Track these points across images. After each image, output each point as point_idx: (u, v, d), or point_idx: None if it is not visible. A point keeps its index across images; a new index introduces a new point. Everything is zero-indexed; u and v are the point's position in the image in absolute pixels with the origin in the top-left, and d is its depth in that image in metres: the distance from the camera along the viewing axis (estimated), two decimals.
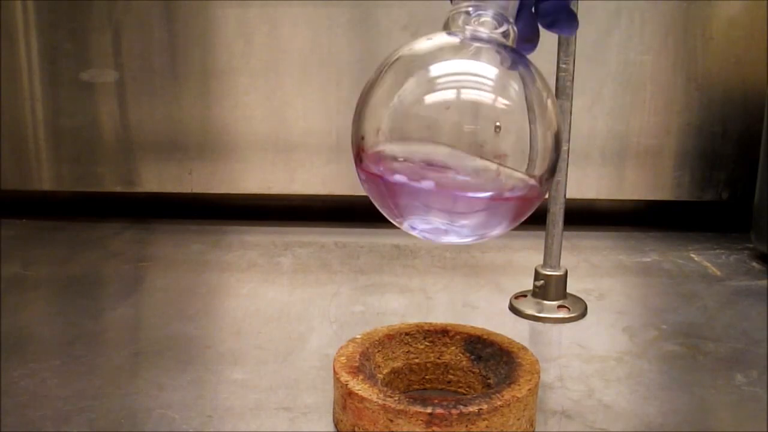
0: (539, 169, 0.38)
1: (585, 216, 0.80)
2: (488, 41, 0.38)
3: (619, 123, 0.82)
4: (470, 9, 0.38)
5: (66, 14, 0.83)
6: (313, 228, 0.84)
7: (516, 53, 0.39)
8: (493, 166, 0.37)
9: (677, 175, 0.84)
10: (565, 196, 0.59)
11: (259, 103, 0.83)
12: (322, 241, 0.79)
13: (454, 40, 0.38)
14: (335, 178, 0.85)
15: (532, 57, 0.40)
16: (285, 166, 0.85)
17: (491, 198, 0.37)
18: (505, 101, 0.38)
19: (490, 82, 0.38)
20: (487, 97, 0.38)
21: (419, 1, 0.80)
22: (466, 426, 0.38)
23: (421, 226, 0.39)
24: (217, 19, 0.82)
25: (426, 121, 0.37)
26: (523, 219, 0.40)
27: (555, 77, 0.57)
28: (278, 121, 0.84)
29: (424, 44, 0.39)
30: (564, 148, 0.58)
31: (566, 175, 0.59)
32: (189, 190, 0.86)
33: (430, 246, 0.77)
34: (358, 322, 0.58)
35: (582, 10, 0.56)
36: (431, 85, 0.38)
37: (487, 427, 0.39)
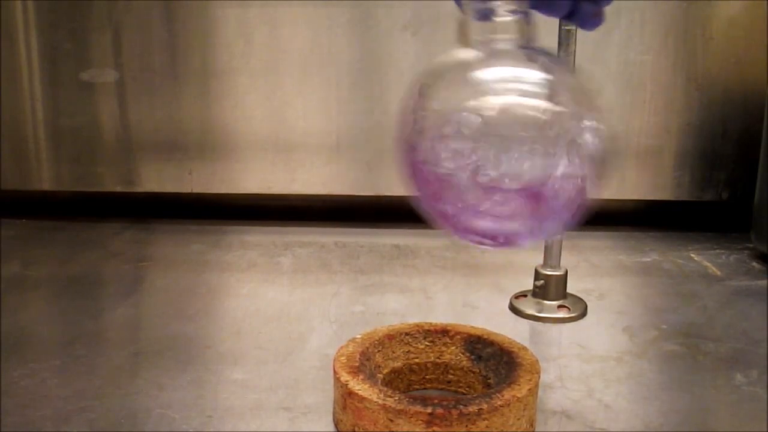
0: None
1: (585, 216, 0.80)
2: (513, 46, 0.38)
3: (619, 123, 0.82)
4: (483, 12, 0.38)
5: (66, 14, 0.83)
6: (313, 228, 0.84)
7: (543, 53, 0.39)
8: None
9: (677, 175, 0.84)
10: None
11: (259, 103, 0.83)
12: (322, 241, 0.79)
13: (476, 54, 0.38)
14: (335, 178, 0.85)
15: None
16: (285, 166, 0.85)
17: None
18: (557, 107, 0.37)
19: (529, 87, 0.37)
20: (537, 103, 0.37)
21: (420, 1, 0.80)
22: (466, 426, 0.38)
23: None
24: (217, 19, 0.82)
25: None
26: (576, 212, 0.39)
27: None
28: (278, 121, 0.84)
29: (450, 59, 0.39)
30: None
31: None
32: (189, 190, 0.86)
33: (430, 246, 0.77)
34: (358, 322, 0.58)
35: None
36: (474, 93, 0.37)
37: (487, 427, 0.39)
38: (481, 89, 0.37)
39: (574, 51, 0.57)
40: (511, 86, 0.37)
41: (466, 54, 0.38)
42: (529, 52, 0.38)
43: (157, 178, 0.86)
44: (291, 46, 0.82)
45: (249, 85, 0.83)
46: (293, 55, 0.82)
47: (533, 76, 0.37)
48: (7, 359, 0.51)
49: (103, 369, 0.50)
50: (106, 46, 0.83)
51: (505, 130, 0.36)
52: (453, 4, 0.39)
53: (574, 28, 0.56)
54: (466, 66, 0.38)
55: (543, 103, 0.37)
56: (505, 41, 0.38)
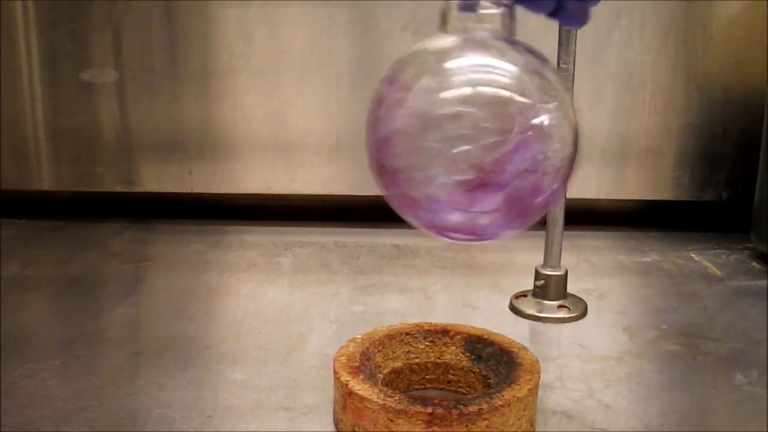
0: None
1: (585, 216, 0.80)
2: (489, 36, 0.38)
3: (619, 123, 0.82)
4: (466, 4, 0.38)
5: (66, 14, 0.83)
6: (313, 228, 0.84)
7: (521, 46, 0.39)
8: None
9: (677, 175, 0.84)
10: (565, 196, 0.59)
11: (259, 103, 0.83)
12: (322, 241, 0.79)
13: (455, 40, 0.38)
14: (335, 178, 0.85)
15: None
16: (285, 166, 0.85)
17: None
18: (524, 99, 0.37)
19: (506, 78, 0.37)
20: (505, 93, 0.37)
21: (419, 1, 0.80)
22: (467, 426, 0.38)
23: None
24: (217, 19, 0.82)
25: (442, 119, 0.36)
26: (532, 216, 0.39)
27: None
28: (278, 121, 0.84)
29: (426, 46, 0.39)
30: None
31: None
32: (189, 190, 0.86)
33: (430, 246, 0.77)
34: (358, 322, 0.58)
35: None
36: (444, 84, 0.37)
37: (487, 427, 0.39)
38: (450, 78, 0.37)
39: (574, 51, 0.57)
40: (480, 76, 0.37)
41: (443, 41, 0.38)
42: (504, 43, 0.38)
43: (157, 178, 0.86)
44: (291, 46, 0.82)
45: (249, 85, 0.83)
46: (293, 55, 0.82)
47: (503, 66, 0.37)
48: (7, 359, 0.51)
49: (103, 369, 0.50)
50: (106, 46, 0.83)
51: (470, 121, 0.36)
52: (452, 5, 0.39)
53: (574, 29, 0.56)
54: (440, 53, 0.38)
55: (510, 94, 0.37)
56: (483, 30, 0.38)
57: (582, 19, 0.39)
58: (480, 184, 0.36)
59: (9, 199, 0.87)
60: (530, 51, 0.38)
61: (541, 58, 0.38)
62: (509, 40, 0.38)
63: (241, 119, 0.84)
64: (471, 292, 0.66)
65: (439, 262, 0.73)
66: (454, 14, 0.38)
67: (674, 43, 0.81)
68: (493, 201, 0.37)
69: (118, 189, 0.87)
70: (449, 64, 0.38)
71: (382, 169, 0.39)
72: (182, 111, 0.84)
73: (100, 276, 0.71)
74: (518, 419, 0.40)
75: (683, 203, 0.85)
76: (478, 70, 0.37)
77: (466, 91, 0.37)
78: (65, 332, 0.57)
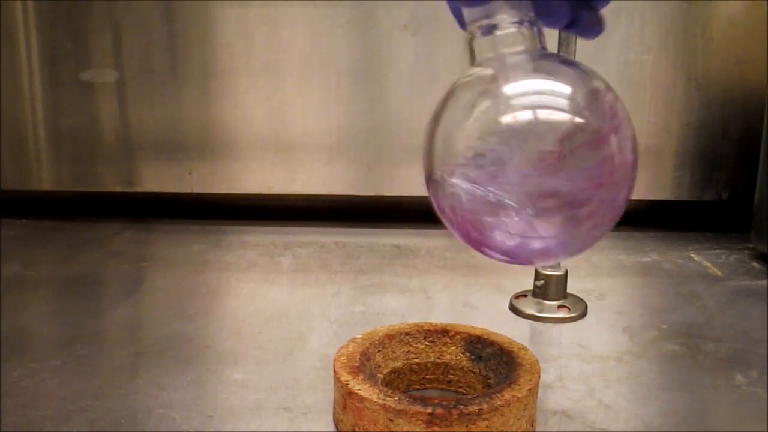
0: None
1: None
2: (526, 57, 0.37)
3: None
4: (487, 27, 0.37)
5: (66, 14, 0.83)
6: (313, 228, 0.84)
7: (560, 59, 0.38)
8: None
9: (677, 175, 0.84)
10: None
11: (259, 103, 0.83)
12: (322, 241, 0.79)
13: (489, 72, 0.37)
14: (335, 178, 0.85)
15: None
16: (285, 166, 0.85)
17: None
18: (581, 119, 0.35)
19: (563, 99, 0.36)
20: (562, 116, 0.35)
21: (419, 1, 0.80)
22: (467, 426, 0.38)
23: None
24: (217, 19, 0.82)
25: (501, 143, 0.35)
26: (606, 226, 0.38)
27: None
28: (278, 121, 0.84)
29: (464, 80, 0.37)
30: None
31: None
32: (189, 190, 0.86)
33: (429, 246, 0.77)
34: (358, 322, 0.58)
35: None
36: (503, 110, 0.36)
37: (487, 427, 0.39)
38: (499, 106, 0.36)
39: (575, 51, 0.57)
40: (530, 100, 0.36)
41: (479, 72, 0.37)
42: (542, 61, 0.37)
43: (157, 178, 0.86)
44: (291, 46, 0.82)
45: (249, 85, 0.83)
46: (293, 55, 0.82)
47: (551, 87, 0.36)
48: (7, 359, 0.51)
49: (103, 369, 0.50)
50: (106, 46, 0.83)
51: (529, 147, 0.35)
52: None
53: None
54: (480, 83, 0.37)
55: (566, 116, 0.35)
56: (516, 53, 0.37)
57: (599, 28, 0.39)
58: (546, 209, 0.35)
59: (9, 199, 0.87)
60: (570, 63, 0.37)
61: (583, 68, 0.37)
62: (548, 56, 0.37)
63: (241, 119, 0.84)
64: (471, 292, 0.66)
65: (439, 262, 0.73)
66: (480, 43, 0.37)
67: (674, 43, 0.81)
68: (552, 226, 0.36)
69: (118, 189, 0.87)
70: (503, 89, 0.36)
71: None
72: (182, 111, 0.84)
73: (100, 276, 0.71)
74: (518, 419, 0.40)
75: (683, 203, 0.85)
76: (533, 94, 0.36)
77: (527, 115, 0.35)
78: (65, 332, 0.57)
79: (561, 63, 0.38)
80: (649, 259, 0.75)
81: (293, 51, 0.82)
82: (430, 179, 0.38)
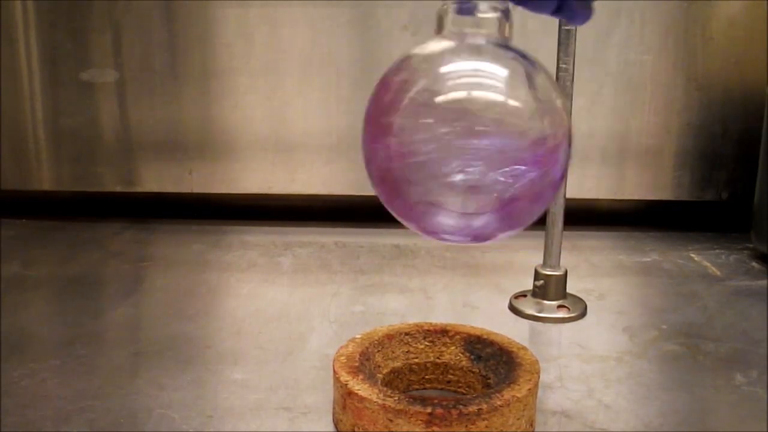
0: None
1: (585, 216, 0.80)
2: (487, 42, 0.38)
3: (619, 123, 0.82)
4: (465, 8, 0.38)
5: (66, 14, 0.83)
6: (313, 228, 0.84)
7: (515, 51, 0.39)
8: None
9: (677, 175, 0.84)
10: (565, 196, 0.59)
11: (259, 103, 0.83)
12: (322, 241, 0.79)
13: (450, 44, 0.38)
14: (335, 178, 0.85)
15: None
16: (285, 166, 0.85)
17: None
18: (515, 102, 0.37)
19: (498, 82, 0.37)
20: (496, 97, 0.37)
21: (419, 1, 0.80)
22: (466, 426, 0.38)
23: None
24: (217, 19, 0.82)
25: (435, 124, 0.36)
26: (530, 216, 0.39)
27: (555, 77, 0.57)
28: (278, 121, 0.84)
29: (422, 50, 0.39)
30: None
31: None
32: (189, 190, 0.86)
33: (430, 246, 0.77)
34: (358, 322, 0.58)
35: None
36: (439, 87, 0.37)
37: (486, 427, 0.39)
38: (445, 82, 0.37)
39: (574, 51, 0.57)
40: (474, 80, 0.37)
41: (438, 45, 0.38)
42: (499, 49, 0.38)
43: (157, 178, 0.86)
44: (291, 46, 0.82)
45: (249, 85, 0.83)
46: (293, 55, 0.82)
47: (497, 71, 0.37)
48: (7, 359, 0.51)
49: (103, 369, 0.50)
50: (106, 46, 0.83)
51: (464, 125, 0.36)
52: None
53: (574, 28, 0.56)
54: (434, 57, 0.38)
55: (504, 98, 0.37)
56: (479, 36, 0.38)
57: (586, 13, 0.39)
58: (472, 187, 0.36)
59: (9, 199, 0.87)
60: (524, 56, 0.38)
61: (534, 64, 0.38)
62: (504, 45, 0.38)
63: (241, 119, 0.84)
64: (471, 292, 0.66)
65: (439, 262, 0.73)
66: (451, 18, 0.38)
67: (674, 43, 0.81)
68: (486, 204, 0.37)
69: (118, 189, 0.87)
70: (444, 69, 0.37)
71: (379, 176, 0.38)
72: (182, 111, 0.84)
73: (100, 276, 0.71)
74: (518, 419, 0.40)
75: (683, 203, 0.85)
76: (473, 75, 0.37)
77: (460, 95, 0.37)
78: (65, 332, 0.57)
79: (511, 53, 0.38)
80: (649, 259, 0.75)
81: (293, 51, 0.82)
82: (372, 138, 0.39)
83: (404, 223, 0.39)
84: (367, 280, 0.68)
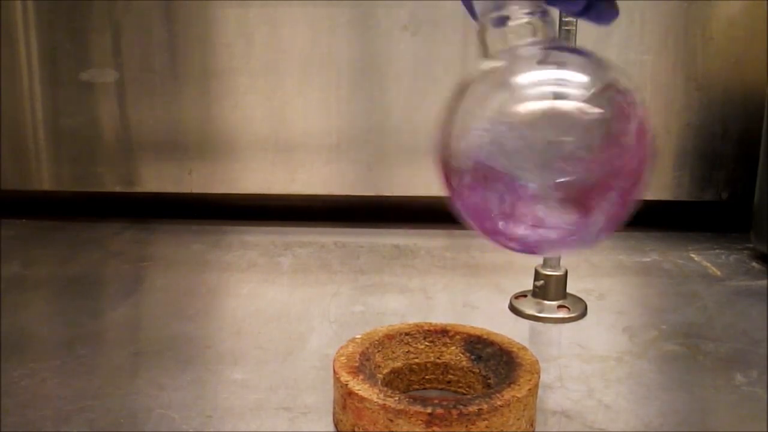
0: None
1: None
2: (538, 49, 0.36)
3: None
4: (499, 19, 0.36)
5: (66, 14, 0.83)
6: (313, 228, 0.84)
7: (572, 49, 0.38)
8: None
9: (677, 175, 0.84)
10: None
11: (259, 103, 0.83)
12: (322, 241, 0.79)
13: (500, 64, 0.36)
14: (335, 178, 0.85)
15: None
16: (285, 166, 0.85)
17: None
18: (595, 108, 0.35)
19: (575, 89, 0.36)
20: (577, 106, 0.35)
21: (419, 1, 0.80)
22: (466, 426, 0.38)
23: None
24: (217, 19, 0.82)
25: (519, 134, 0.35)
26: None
27: None
28: (278, 121, 0.84)
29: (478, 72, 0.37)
30: None
31: None
32: (189, 190, 0.86)
33: (429, 246, 0.77)
34: (358, 322, 0.58)
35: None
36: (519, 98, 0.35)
37: (487, 427, 0.39)
38: (514, 97, 0.35)
39: None
40: (545, 90, 0.35)
41: (493, 65, 0.37)
42: (555, 52, 0.37)
43: (157, 178, 0.86)
44: (291, 46, 0.82)
45: (249, 85, 0.83)
46: (293, 55, 0.82)
47: (566, 77, 0.36)
48: (7, 359, 0.51)
49: (103, 369, 0.50)
50: (106, 46, 0.83)
51: (544, 137, 0.34)
52: (453, 4, 0.39)
53: (573, 27, 0.56)
54: (495, 75, 0.36)
55: (582, 105, 0.35)
56: (529, 45, 0.36)
57: (612, 13, 0.38)
58: (560, 201, 0.35)
59: (9, 199, 0.87)
60: (582, 53, 0.37)
61: (596, 57, 0.37)
62: (560, 47, 0.37)
63: (241, 119, 0.84)
64: (471, 292, 0.66)
65: (439, 262, 0.73)
66: (491, 35, 0.37)
67: (674, 43, 0.81)
68: (566, 218, 0.35)
69: (118, 189, 0.87)
70: (517, 79, 0.36)
71: (452, 173, 0.37)
72: (182, 111, 0.84)
73: (100, 276, 0.71)
74: (518, 419, 0.40)
75: (683, 203, 0.85)
76: (547, 84, 0.36)
77: (544, 105, 0.35)
78: (65, 332, 0.57)
79: (573, 53, 0.37)
80: (649, 259, 0.75)
81: (293, 51, 0.82)
82: (447, 172, 0.37)
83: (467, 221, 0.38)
84: (367, 280, 0.68)
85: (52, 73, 0.84)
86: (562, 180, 0.34)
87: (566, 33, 0.56)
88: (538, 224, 0.36)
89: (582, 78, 0.36)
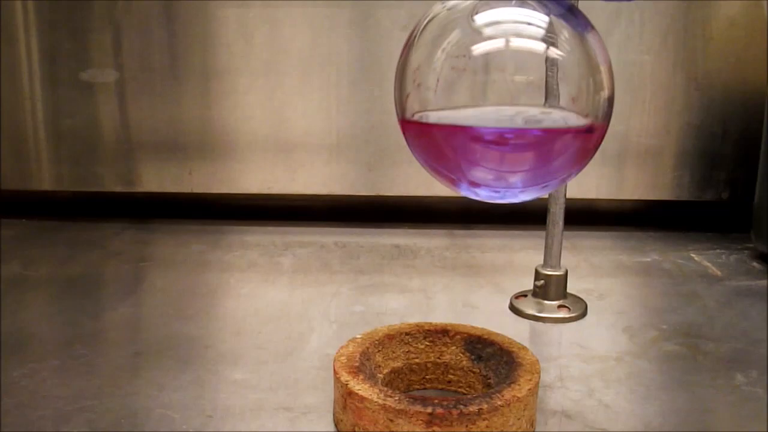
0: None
1: (585, 216, 0.80)
2: None
3: (619, 123, 0.82)
4: None
5: (66, 14, 0.83)
6: (313, 228, 0.84)
7: (567, 8, 0.37)
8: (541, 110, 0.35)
9: (677, 175, 0.84)
10: (565, 196, 0.59)
11: (259, 103, 0.83)
12: (322, 241, 0.79)
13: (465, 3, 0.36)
14: (335, 178, 0.85)
15: None
16: (285, 166, 0.85)
17: (544, 132, 0.35)
18: (559, 51, 0.35)
19: (540, 30, 0.35)
20: (537, 46, 0.35)
21: (419, 1, 0.80)
22: (466, 426, 0.38)
23: (482, 180, 0.36)
24: (217, 19, 0.82)
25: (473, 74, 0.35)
26: (582, 162, 0.38)
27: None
28: (278, 121, 0.84)
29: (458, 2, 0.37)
30: None
31: None
32: (189, 190, 0.86)
33: (430, 246, 0.77)
34: (358, 322, 0.58)
35: (582, 11, 0.57)
36: (477, 36, 0.35)
37: (487, 427, 0.39)
38: (478, 33, 0.35)
39: None
40: (509, 28, 0.35)
41: (453, 3, 0.37)
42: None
43: (157, 178, 0.86)
44: (291, 46, 0.82)
45: (249, 85, 0.83)
46: (293, 55, 0.82)
47: (533, 18, 0.36)
48: (7, 359, 0.51)
49: (103, 369, 0.50)
50: (106, 46, 0.83)
51: (503, 74, 0.34)
52: None
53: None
54: (462, 11, 0.37)
55: (544, 47, 0.35)
56: None
57: None
58: (513, 138, 0.35)
59: (9, 199, 0.87)
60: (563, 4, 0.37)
61: (570, 10, 0.36)
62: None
63: (241, 119, 0.84)
64: (471, 292, 0.66)
65: (439, 262, 0.73)
66: None
67: (674, 43, 0.81)
68: (523, 158, 0.36)
69: (118, 189, 0.87)
70: (478, 18, 0.36)
71: (409, 122, 0.37)
72: (182, 111, 0.84)
73: (100, 276, 0.71)
74: (518, 419, 0.40)
75: (683, 203, 0.85)
76: (507, 21, 0.36)
77: (499, 43, 0.35)
78: (65, 332, 0.57)
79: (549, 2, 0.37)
80: (649, 259, 0.75)
81: (293, 51, 0.82)
82: (404, 119, 0.38)
83: (429, 170, 0.38)
84: (367, 280, 0.68)
85: (52, 73, 0.84)
86: (518, 121, 0.34)
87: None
88: (498, 167, 0.36)
89: (544, 18, 0.36)
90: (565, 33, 0.36)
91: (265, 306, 0.62)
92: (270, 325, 0.58)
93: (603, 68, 0.37)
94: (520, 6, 0.36)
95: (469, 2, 0.37)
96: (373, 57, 0.82)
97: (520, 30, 0.35)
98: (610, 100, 0.37)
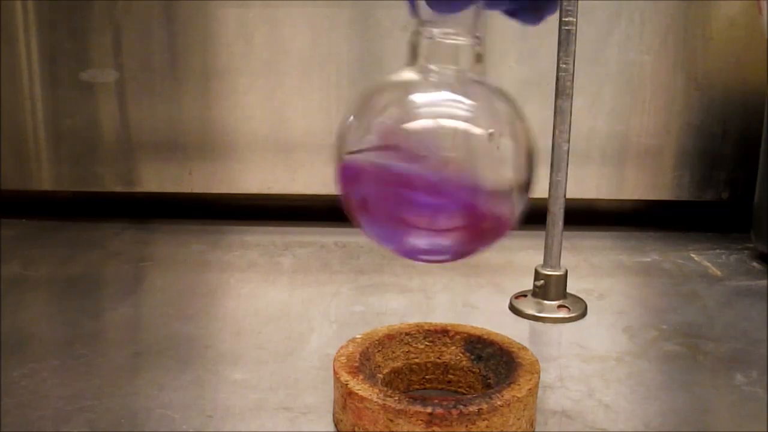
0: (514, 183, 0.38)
1: (585, 216, 0.80)
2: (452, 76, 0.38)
3: (619, 123, 0.82)
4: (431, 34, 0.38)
5: (66, 14, 0.83)
6: (313, 228, 0.84)
7: (481, 83, 0.39)
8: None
9: (677, 175, 0.84)
10: (565, 196, 0.59)
11: (259, 103, 0.83)
12: (322, 241, 0.79)
13: (417, 77, 0.39)
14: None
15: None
16: (285, 166, 0.85)
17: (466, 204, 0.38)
18: (479, 129, 0.37)
19: (463, 111, 0.38)
20: (461, 125, 0.38)
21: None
22: (466, 426, 0.38)
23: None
24: (217, 19, 0.82)
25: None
26: (493, 240, 0.40)
27: (555, 77, 0.57)
28: (278, 121, 0.84)
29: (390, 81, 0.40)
30: (564, 148, 0.58)
31: (566, 175, 0.59)
32: (189, 190, 0.86)
33: None
34: (358, 322, 0.58)
35: (582, 10, 0.57)
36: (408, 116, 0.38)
37: (487, 427, 0.39)
38: (411, 111, 0.38)
39: (574, 51, 0.57)
40: (439, 110, 0.38)
41: (407, 76, 0.39)
42: (465, 82, 0.38)
43: (157, 178, 0.86)
44: (291, 46, 0.82)
45: (249, 85, 0.83)
46: (293, 55, 0.82)
47: (461, 101, 0.38)
48: (7, 359, 0.51)
49: (103, 369, 0.50)
50: (106, 46, 0.83)
51: (429, 150, 0.37)
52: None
53: (573, 27, 0.56)
54: (403, 88, 0.39)
55: (466, 126, 0.37)
56: (450, 70, 0.38)
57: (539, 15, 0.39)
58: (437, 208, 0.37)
59: (9, 199, 0.87)
60: (487, 86, 0.39)
61: (497, 92, 0.39)
62: (470, 79, 0.38)
63: (241, 119, 0.84)
64: (471, 292, 0.66)
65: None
66: (425, 46, 0.38)
67: (674, 43, 0.81)
68: (450, 221, 0.38)
69: (118, 189, 0.87)
70: (413, 98, 0.38)
71: (350, 201, 0.41)
72: (182, 111, 0.84)
73: (100, 276, 0.71)
74: (518, 419, 0.40)
75: (683, 203, 0.85)
76: (439, 104, 0.38)
77: (428, 123, 0.38)
78: (65, 332, 0.57)
79: (483, 87, 0.39)
80: (649, 259, 0.75)
81: (293, 51, 0.82)
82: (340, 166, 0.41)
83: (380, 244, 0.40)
84: (367, 280, 0.68)
85: (52, 73, 0.84)
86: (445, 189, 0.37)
87: (566, 33, 0.56)
88: (429, 233, 0.38)
89: (472, 104, 0.38)
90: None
91: (265, 306, 0.62)
92: (270, 325, 0.58)
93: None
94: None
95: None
96: (373, 57, 0.82)
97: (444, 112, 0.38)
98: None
